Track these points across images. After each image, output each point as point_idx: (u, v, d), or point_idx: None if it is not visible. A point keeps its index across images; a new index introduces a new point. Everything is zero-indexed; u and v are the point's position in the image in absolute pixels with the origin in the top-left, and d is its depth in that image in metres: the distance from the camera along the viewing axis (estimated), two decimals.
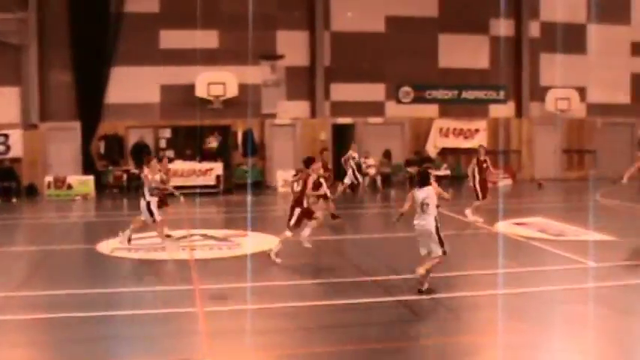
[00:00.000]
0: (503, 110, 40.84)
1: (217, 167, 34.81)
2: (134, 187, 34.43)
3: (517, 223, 24.41)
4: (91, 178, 34.97)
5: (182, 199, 21.67)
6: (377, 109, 39.11)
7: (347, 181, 30.45)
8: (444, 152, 39.44)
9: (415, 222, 15.08)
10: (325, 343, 12.24)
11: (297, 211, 18.28)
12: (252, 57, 35.63)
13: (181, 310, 13.83)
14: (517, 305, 14.82)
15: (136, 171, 34.68)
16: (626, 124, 42.46)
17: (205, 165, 34.93)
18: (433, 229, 14.87)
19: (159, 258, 19.19)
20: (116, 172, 35.79)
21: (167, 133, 37.24)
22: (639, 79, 42.63)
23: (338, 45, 38.16)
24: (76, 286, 16.02)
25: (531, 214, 26.54)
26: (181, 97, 35.86)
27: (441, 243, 14.92)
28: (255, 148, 36.79)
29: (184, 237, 21.77)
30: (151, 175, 19.70)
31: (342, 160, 31.49)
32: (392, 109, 39.39)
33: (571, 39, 40.33)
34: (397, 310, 14.18)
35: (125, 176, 35.44)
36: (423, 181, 15.23)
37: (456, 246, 20.32)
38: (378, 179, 36.22)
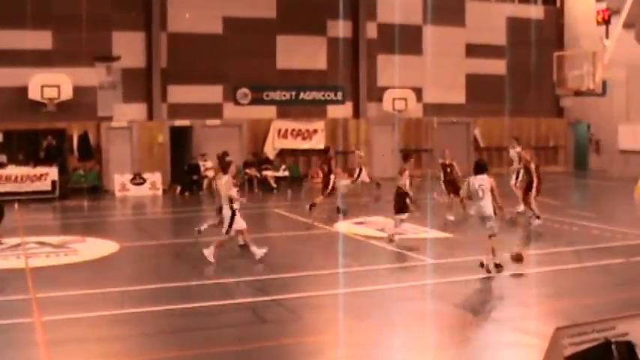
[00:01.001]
0: (341, 111, 41.26)
1: (52, 172, 33.85)
2: None
3: (356, 223, 24.73)
4: None
5: (16, 205, 21.06)
6: (215, 110, 38.88)
7: (366, 179, 30.77)
8: (283, 153, 39.58)
9: (473, 207, 17.31)
10: (166, 348, 12.12)
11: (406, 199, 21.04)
12: (87, 58, 34.98)
13: (18, 321, 13.43)
14: (358, 304, 15.03)
15: None
16: (462, 124, 43.68)
17: (40, 170, 33.90)
18: (492, 212, 16.85)
19: None
20: None
21: None
22: (474, 80, 43.88)
23: (175, 46, 37.76)
24: None
25: (370, 213, 26.91)
26: (14, 99, 34.66)
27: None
28: (91, 151, 36.06)
29: (19, 245, 21.17)
30: (233, 180, 19.15)
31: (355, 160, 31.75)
32: (230, 110, 39.25)
33: (407, 40, 41.17)
34: (238, 312, 14.16)
35: None
36: (479, 169, 17.24)
37: (296, 246, 20.52)
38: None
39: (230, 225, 18.51)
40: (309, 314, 14.26)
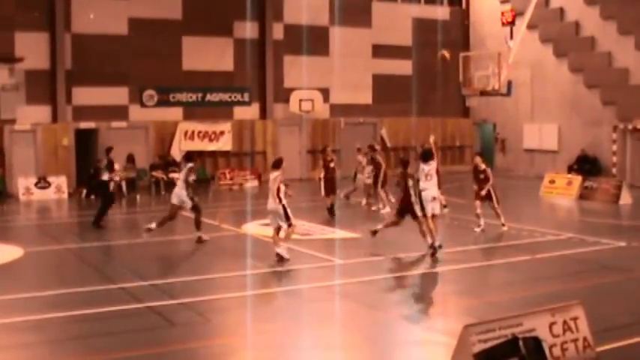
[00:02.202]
0: (247, 112, 41.11)
1: None
2: None
3: (264, 224, 24.64)
4: None
5: None
6: (120, 112, 38.36)
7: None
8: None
9: (422, 189, 19.13)
10: (73, 355, 11.93)
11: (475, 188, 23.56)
12: None
13: None
14: (267, 305, 15.02)
15: None
16: (369, 124, 43.90)
17: None
18: (437, 194, 19.57)
19: None
20: None
21: None
22: (380, 80, 44.14)
23: (80, 47, 37.14)
24: None
25: None
26: None
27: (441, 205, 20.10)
28: None
29: None
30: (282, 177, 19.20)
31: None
32: (136, 112, 38.76)
33: (314, 41, 41.24)
34: (147, 316, 14.01)
35: None
36: (426, 157, 19.59)
37: (204, 248, 20.35)
38: (123, 184, 35.41)
39: (288, 217, 18.80)
40: (218, 317, 14.17)
